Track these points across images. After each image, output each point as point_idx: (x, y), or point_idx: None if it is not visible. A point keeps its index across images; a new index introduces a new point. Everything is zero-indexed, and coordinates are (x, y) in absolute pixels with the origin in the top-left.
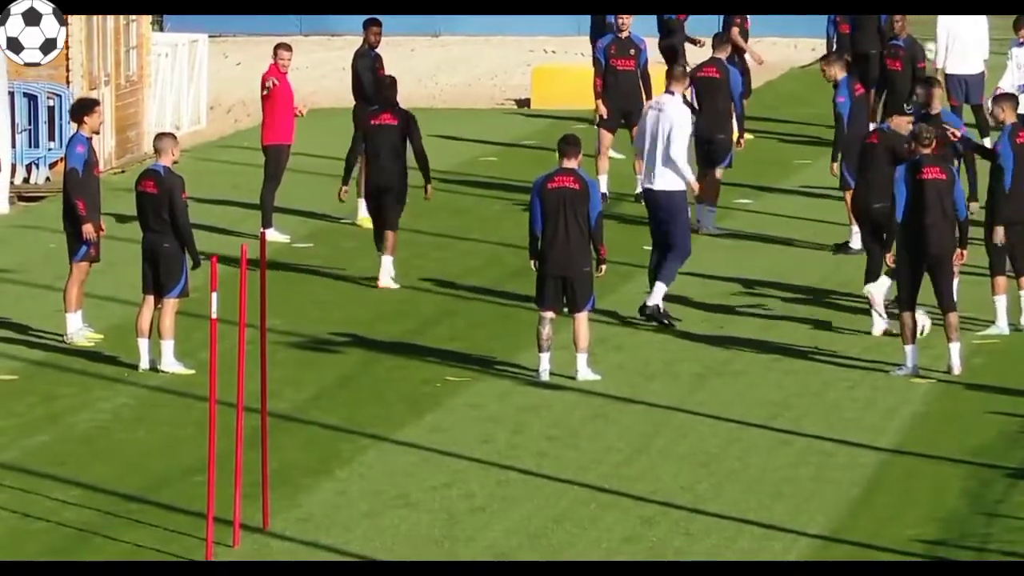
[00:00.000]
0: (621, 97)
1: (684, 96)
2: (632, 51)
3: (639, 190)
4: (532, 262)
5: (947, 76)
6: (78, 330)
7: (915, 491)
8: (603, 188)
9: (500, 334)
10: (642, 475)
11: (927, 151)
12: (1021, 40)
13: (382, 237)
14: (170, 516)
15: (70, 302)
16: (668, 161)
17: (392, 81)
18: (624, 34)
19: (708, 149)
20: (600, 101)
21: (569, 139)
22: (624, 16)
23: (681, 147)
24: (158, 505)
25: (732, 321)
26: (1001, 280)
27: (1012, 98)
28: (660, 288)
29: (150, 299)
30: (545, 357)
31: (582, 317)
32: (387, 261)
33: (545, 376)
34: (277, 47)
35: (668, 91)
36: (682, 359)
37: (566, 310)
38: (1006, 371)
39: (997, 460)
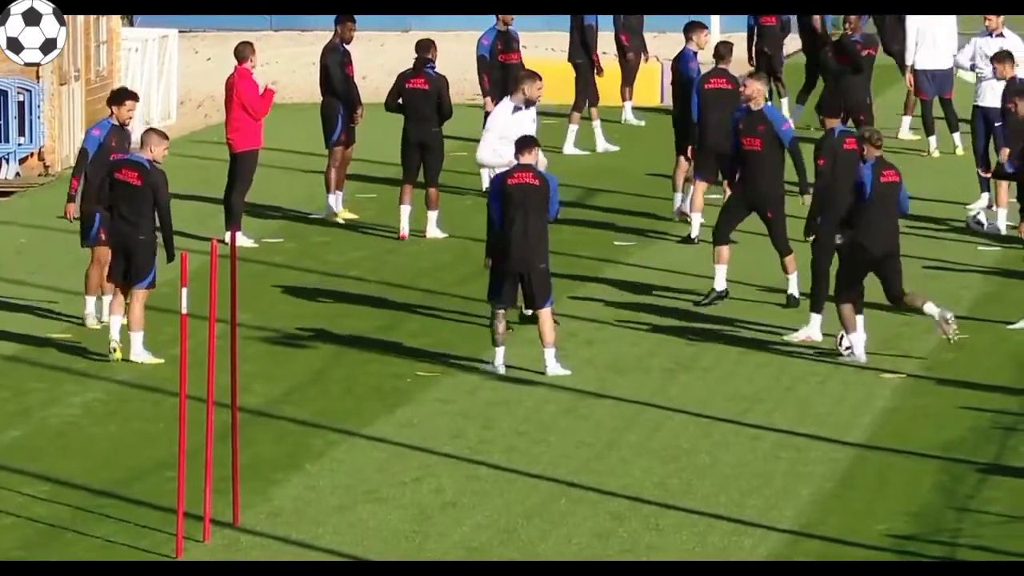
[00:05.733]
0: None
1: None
2: (515, 44)
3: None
4: (488, 260)
5: (916, 72)
6: (91, 313)
7: (887, 486)
8: (486, 183)
9: (470, 329)
10: (613, 470)
11: (879, 152)
12: (990, 31)
13: (426, 194)
14: (141, 511)
15: (89, 285)
16: (477, 164)
17: (426, 44)
18: (507, 28)
19: (718, 161)
20: (489, 98)
21: (526, 137)
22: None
23: (480, 152)
24: (129, 500)
25: (702, 316)
26: None
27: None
28: None
29: (117, 289)
30: (501, 351)
31: (545, 313)
32: (432, 215)
33: (502, 370)
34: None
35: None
36: (652, 354)
37: (521, 308)
38: (975, 366)
39: (969, 455)
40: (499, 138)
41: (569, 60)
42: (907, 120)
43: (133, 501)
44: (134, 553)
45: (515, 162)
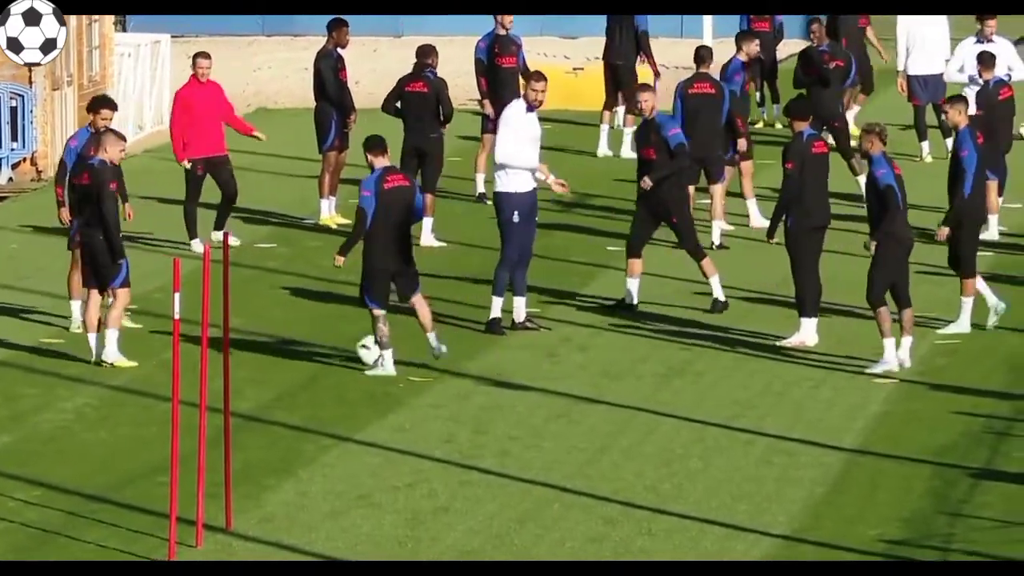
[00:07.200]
0: (509, 94)
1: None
2: (513, 48)
3: (481, 190)
4: (342, 259)
5: (909, 77)
6: (77, 318)
7: (879, 491)
8: (480, 188)
9: (462, 334)
10: (605, 475)
11: (884, 147)
12: (981, 35)
13: (422, 200)
14: (133, 516)
15: (72, 289)
16: (496, 163)
17: (426, 49)
18: (505, 32)
19: (703, 168)
20: (487, 101)
21: (381, 139)
22: (508, 16)
23: (503, 148)
24: (121, 505)
25: (695, 322)
26: (970, 282)
27: (963, 100)
28: (495, 302)
29: (94, 293)
30: (390, 353)
31: (420, 298)
32: (427, 222)
33: (394, 371)
34: (196, 56)
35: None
36: (645, 359)
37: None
38: (968, 371)
39: (961, 460)
40: (517, 138)
41: (606, 60)
42: (851, 114)
43: (125, 506)
44: (126, 558)
45: (532, 165)
